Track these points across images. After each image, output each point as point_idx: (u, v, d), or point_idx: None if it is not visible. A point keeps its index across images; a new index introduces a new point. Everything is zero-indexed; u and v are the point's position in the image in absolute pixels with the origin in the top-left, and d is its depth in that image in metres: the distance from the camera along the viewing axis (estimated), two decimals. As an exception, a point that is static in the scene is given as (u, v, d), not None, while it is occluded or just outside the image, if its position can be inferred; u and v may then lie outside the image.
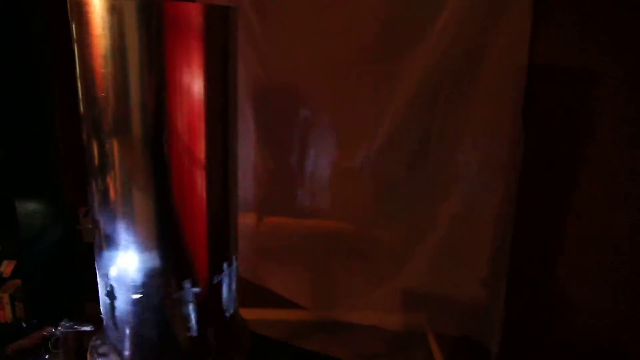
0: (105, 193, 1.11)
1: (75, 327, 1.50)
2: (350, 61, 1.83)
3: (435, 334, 1.99)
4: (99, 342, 1.30)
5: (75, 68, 1.07)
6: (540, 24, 1.61)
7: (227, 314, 1.37)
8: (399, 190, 1.90)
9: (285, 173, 2.11)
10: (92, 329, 1.49)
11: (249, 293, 2.29)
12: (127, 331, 1.20)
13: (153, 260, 1.12)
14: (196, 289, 1.18)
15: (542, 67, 1.62)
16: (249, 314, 2.77)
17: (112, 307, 1.20)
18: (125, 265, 1.14)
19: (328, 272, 2.10)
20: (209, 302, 1.24)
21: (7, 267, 2.21)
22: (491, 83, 1.67)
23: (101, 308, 1.24)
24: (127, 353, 1.21)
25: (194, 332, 1.22)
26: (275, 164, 2.11)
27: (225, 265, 1.30)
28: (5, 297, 2.13)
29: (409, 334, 2.05)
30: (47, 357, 1.53)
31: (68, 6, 1.03)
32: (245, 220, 2.30)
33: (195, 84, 1.03)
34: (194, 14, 1.00)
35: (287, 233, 2.20)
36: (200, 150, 1.09)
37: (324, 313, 2.16)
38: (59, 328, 1.50)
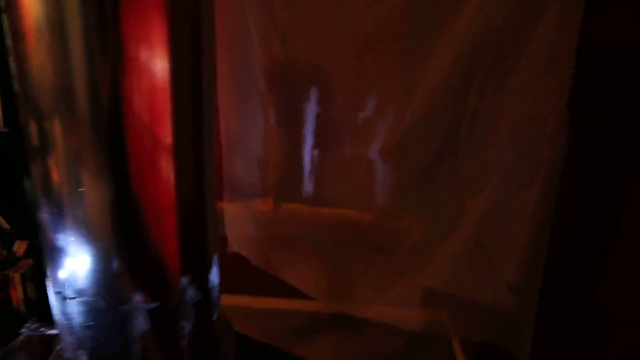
0: (46, 177, 0.95)
1: (42, 329, 1.36)
2: (374, 38, 1.64)
3: (459, 337, 1.84)
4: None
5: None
6: (595, 1, 1.38)
7: (206, 321, 1.22)
8: (424, 181, 1.72)
9: (303, 158, 1.96)
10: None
11: (262, 281, 2.19)
12: (81, 342, 1.04)
13: (108, 259, 0.96)
14: (158, 299, 1.01)
15: (594, 53, 1.39)
16: (261, 302, 2.68)
17: (63, 312, 1.03)
18: (75, 266, 0.97)
19: (345, 265, 1.96)
20: (179, 311, 1.08)
21: (20, 247, 2.16)
22: (533, 69, 1.44)
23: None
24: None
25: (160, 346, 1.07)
26: (293, 148, 1.95)
27: (199, 270, 1.12)
28: (17, 277, 2.07)
29: (428, 335, 1.90)
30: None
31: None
32: (261, 207, 2.18)
33: (157, 61, 0.89)
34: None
35: (304, 221, 2.06)
36: (166, 132, 0.93)
37: (339, 307, 2.03)
38: (23, 330, 1.37)
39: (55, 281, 1.02)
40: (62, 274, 1.00)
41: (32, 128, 0.93)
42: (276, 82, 1.87)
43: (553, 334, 1.65)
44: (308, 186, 2.01)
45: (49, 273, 1.04)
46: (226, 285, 2.64)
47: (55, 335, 1.29)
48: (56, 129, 0.90)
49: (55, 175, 0.94)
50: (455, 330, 1.84)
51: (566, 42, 1.37)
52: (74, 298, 1.00)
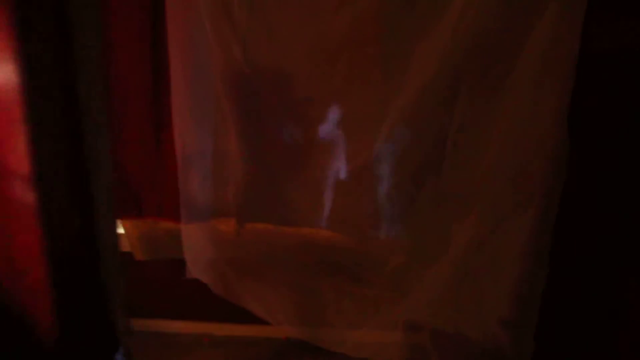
0: None
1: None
2: (345, 42, 1.42)
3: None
4: None
5: None
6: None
7: None
8: (404, 203, 1.51)
9: (270, 174, 1.73)
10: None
11: (227, 306, 1.96)
12: None
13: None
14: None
15: (598, 57, 1.22)
16: (226, 330, 2.44)
17: None
18: None
19: (315, 294, 1.74)
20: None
21: None
22: (529, 74, 1.25)
23: None
24: None
25: None
26: (258, 163, 1.72)
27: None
28: None
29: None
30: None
31: None
32: (222, 227, 1.94)
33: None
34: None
35: (270, 243, 1.84)
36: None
37: (312, 338, 1.80)
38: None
39: None
40: None
41: None
42: (236, 91, 1.63)
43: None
44: (273, 205, 1.79)
45: None
46: (187, 312, 2.40)
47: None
48: None
49: None
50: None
51: (566, 44, 1.19)
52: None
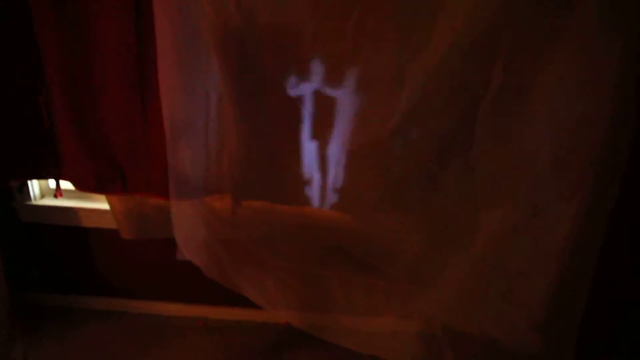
0: None
1: None
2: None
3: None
4: None
5: None
6: None
7: None
8: (425, 184, 1.26)
9: (268, 145, 1.49)
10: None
11: (222, 289, 1.76)
12: None
13: None
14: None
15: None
16: (220, 313, 2.26)
17: None
18: None
19: (320, 283, 1.53)
20: None
21: None
22: (586, 31, 0.98)
23: None
24: None
25: None
26: (255, 133, 1.48)
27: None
28: None
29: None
30: None
31: None
32: (217, 205, 1.72)
33: None
34: None
35: (269, 224, 1.61)
36: None
37: (312, 331, 1.60)
38: None
39: None
40: None
41: None
42: (231, 52, 1.38)
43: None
44: (273, 182, 1.56)
45: None
46: (181, 294, 2.22)
47: None
48: None
49: None
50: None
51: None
52: None
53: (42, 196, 1.98)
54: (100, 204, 1.95)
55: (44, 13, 1.52)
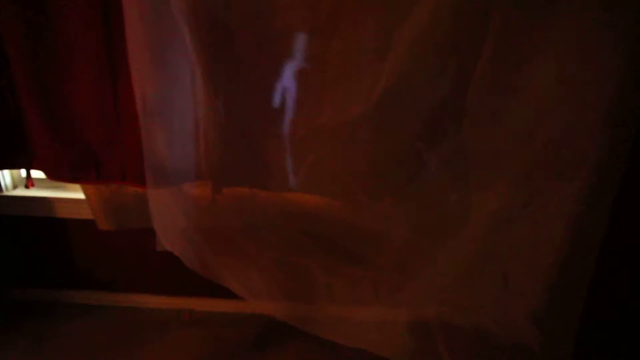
0: None
1: None
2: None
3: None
4: None
5: None
6: None
7: None
8: (412, 164, 1.16)
9: (246, 127, 1.38)
10: None
11: (206, 279, 1.66)
12: None
13: None
14: None
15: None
16: (206, 305, 2.16)
17: None
18: None
19: (304, 273, 1.42)
20: None
21: None
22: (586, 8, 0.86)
23: None
24: None
25: None
26: (232, 114, 1.37)
27: None
28: None
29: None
30: None
31: None
32: (197, 191, 1.61)
33: None
34: None
35: (250, 211, 1.51)
36: None
37: (298, 324, 1.50)
38: None
39: None
40: None
41: None
42: (203, 25, 1.26)
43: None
44: (253, 166, 1.45)
45: None
46: (164, 285, 2.12)
47: None
48: None
49: None
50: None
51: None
52: None
53: (15, 186, 1.87)
54: (76, 193, 1.84)
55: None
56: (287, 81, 1.21)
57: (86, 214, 1.81)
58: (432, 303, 1.24)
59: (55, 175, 1.64)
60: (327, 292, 1.42)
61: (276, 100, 1.23)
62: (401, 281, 1.27)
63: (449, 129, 1.05)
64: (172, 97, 1.42)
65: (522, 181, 1.03)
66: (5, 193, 1.83)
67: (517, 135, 1.00)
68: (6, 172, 1.85)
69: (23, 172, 1.85)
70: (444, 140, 1.07)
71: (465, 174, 1.08)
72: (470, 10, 0.91)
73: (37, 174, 1.74)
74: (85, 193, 1.73)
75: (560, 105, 0.94)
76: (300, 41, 1.13)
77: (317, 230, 1.32)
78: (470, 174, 1.08)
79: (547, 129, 0.96)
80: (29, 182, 1.75)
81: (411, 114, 1.08)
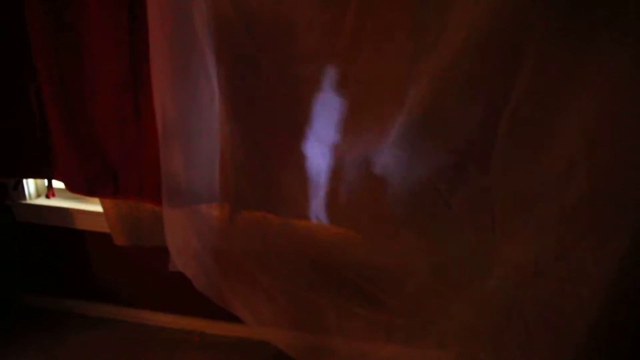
0: None
1: None
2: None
3: None
4: None
5: None
6: None
7: None
8: (434, 204, 1.06)
9: (264, 153, 1.33)
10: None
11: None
12: None
13: None
14: None
15: None
16: (218, 329, 2.09)
17: None
18: None
19: (316, 308, 1.34)
20: None
21: None
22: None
23: None
24: None
25: None
26: (251, 138, 1.32)
27: None
28: None
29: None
30: None
31: None
32: (215, 212, 1.56)
33: None
34: None
35: (263, 240, 1.45)
36: None
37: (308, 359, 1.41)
38: None
39: None
40: None
41: None
42: (227, 47, 1.23)
43: None
44: (270, 191, 1.39)
45: None
46: (177, 304, 2.07)
47: None
48: None
49: None
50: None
51: None
52: None
53: (38, 195, 1.88)
54: (95, 206, 1.83)
55: (34, 7, 1.41)
56: (306, 108, 1.15)
57: (104, 227, 1.79)
58: (449, 354, 1.13)
59: (74, 187, 1.63)
60: (338, 331, 1.34)
61: (294, 126, 1.17)
62: (416, 327, 1.18)
63: (474, 169, 0.96)
64: (192, 120, 1.39)
65: (553, 233, 0.92)
66: (28, 201, 1.84)
67: (549, 183, 0.90)
68: (31, 181, 1.86)
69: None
70: (468, 181, 0.97)
71: (489, 219, 0.98)
72: (504, 42, 0.83)
73: (59, 184, 1.74)
74: (103, 207, 1.71)
75: (600, 151, 0.84)
76: (321, 66, 1.07)
77: (328, 265, 1.24)
78: (496, 220, 0.98)
79: (584, 177, 0.86)
80: (50, 192, 1.76)
81: (434, 150, 1.00)
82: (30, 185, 1.85)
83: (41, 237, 1.92)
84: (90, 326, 1.98)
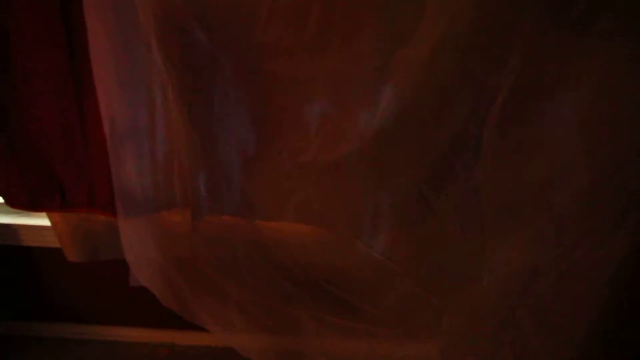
0: None
1: None
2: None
3: None
4: None
5: None
6: None
7: None
8: (417, 207, 0.96)
9: (223, 154, 1.20)
10: None
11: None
12: None
13: None
14: None
15: None
16: (188, 339, 1.97)
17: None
18: None
19: (293, 320, 1.24)
20: None
21: None
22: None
23: None
24: None
25: None
26: (207, 139, 1.18)
27: None
28: None
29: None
30: None
31: None
32: (175, 218, 1.42)
33: None
34: None
35: (230, 243, 1.33)
36: None
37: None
38: None
39: None
40: None
41: None
42: (177, 42, 1.08)
43: None
44: (236, 195, 1.27)
45: None
46: (142, 318, 1.93)
47: None
48: None
49: None
50: None
51: None
52: None
53: (-25, 212, 1.69)
54: (43, 220, 1.66)
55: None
56: (269, 108, 1.02)
57: (55, 242, 1.63)
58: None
59: (15, 201, 1.46)
60: (317, 337, 1.24)
61: (254, 125, 1.05)
62: (400, 337, 1.10)
63: (459, 170, 0.87)
64: (143, 121, 1.24)
65: (548, 236, 0.84)
66: (-35, 219, 1.65)
67: (542, 178, 0.82)
68: (-33, 195, 1.66)
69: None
70: (454, 184, 0.88)
71: (478, 223, 0.90)
72: (490, 32, 0.73)
73: (-1, 198, 1.56)
74: (52, 221, 1.55)
75: (599, 148, 0.76)
76: (285, 61, 0.94)
77: (304, 276, 1.14)
78: (485, 223, 0.90)
79: (577, 176, 0.78)
80: (-11, 208, 1.58)
81: (415, 152, 0.90)
82: (-34, 200, 1.66)
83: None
84: (51, 348, 1.83)
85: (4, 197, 1.46)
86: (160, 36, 1.06)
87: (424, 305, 1.03)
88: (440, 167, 0.88)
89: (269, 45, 0.91)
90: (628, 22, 0.65)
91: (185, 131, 1.18)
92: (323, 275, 1.12)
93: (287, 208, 1.17)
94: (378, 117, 0.86)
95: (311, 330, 1.20)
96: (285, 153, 1.01)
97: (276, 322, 1.23)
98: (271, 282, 1.21)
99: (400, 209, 0.97)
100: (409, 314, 1.08)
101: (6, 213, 1.67)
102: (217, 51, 1.02)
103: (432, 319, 1.04)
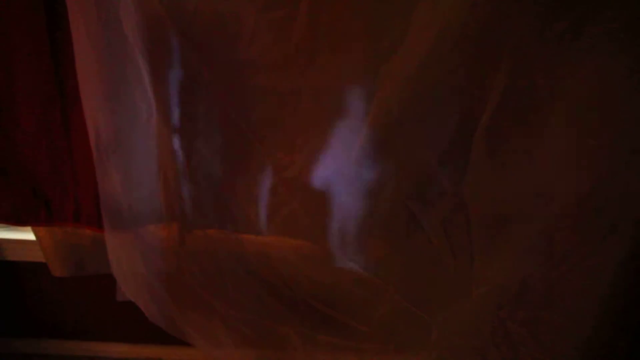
0: None
1: None
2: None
3: None
4: None
5: None
6: None
7: None
8: (401, 222, 0.95)
9: (208, 168, 1.17)
10: None
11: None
12: None
13: None
14: None
15: None
16: (178, 354, 1.92)
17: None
18: None
19: (280, 336, 1.21)
20: None
21: None
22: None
23: None
24: None
25: None
26: (194, 153, 1.16)
27: None
28: None
29: None
30: None
31: None
32: (163, 233, 1.39)
33: None
34: None
35: (218, 267, 1.29)
36: None
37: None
38: None
39: None
40: None
41: None
42: (161, 55, 1.06)
43: None
44: (219, 209, 1.24)
45: None
46: (129, 333, 1.88)
47: None
48: None
49: None
50: None
51: None
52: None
53: (-42, 226, 1.64)
54: (28, 234, 1.61)
55: None
56: (255, 121, 1.00)
57: (39, 256, 1.58)
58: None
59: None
60: (304, 352, 1.20)
61: (242, 144, 1.02)
62: (388, 351, 1.06)
63: (446, 185, 0.85)
64: (129, 134, 1.21)
65: (537, 247, 0.82)
66: (-52, 233, 1.60)
67: (532, 192, 0.79)
68: (-49, 209, 1.61)
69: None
70: (441, 198, 0.86)
71: (466, 237, 0.88)
72: (478, 44, 0.71)
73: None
74: (37, 235, 1.50)
75: (584, 160, 0.74)
76: (271, 73, 0.92)
77: (289, 293, 1.10)
78: (473, 238, 0.87)
79: (566, 187, 0.76)
80: (-29, 222, 1.53)
81: (401, 166, 0.87)
82: (-50, 214, 1.61)
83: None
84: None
85: (-13, 212, 1.42)
86: (144, 49, 1.03)
87: (413, 320, 1.00)
88: (426, 182, 0.86)
89: (253, 60, 0.88)
90: (615, 35, 0.64)
91: (170, 145, 1.15)
92: (309, 291, 1.09)
93: (272, 222, 1.14)
94: (363, 134, 0.84)
95: (297, 346, 1.16)
96: (270, 168, 0.98)
97: (262, 337, 1.19)
98: (256, 297, 1.17)
99: (387, 224, 0.94)
100: (397, 329, 1.04)
101: (-9, 227, 1.63)
102: (201, 65, 1.00)
103: (421, 334, 1.00)
